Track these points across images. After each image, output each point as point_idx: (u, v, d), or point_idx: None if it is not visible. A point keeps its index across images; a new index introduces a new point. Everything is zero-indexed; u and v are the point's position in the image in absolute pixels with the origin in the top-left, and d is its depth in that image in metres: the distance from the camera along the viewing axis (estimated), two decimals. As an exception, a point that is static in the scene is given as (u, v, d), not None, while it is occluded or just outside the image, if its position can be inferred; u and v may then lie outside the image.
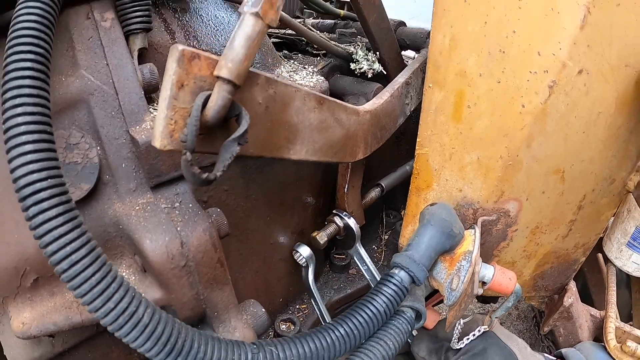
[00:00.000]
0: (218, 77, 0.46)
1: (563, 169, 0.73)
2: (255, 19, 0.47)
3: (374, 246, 0.97)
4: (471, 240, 0.71)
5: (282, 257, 0.81)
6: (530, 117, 0.68)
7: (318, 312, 0.80)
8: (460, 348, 0.78)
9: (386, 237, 0.99)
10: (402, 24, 0.91)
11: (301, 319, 0.83)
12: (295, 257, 0.79)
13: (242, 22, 0.47)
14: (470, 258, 0.69)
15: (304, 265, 0.78)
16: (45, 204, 0.44)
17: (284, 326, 0.82)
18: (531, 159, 0.71)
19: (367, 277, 0.83)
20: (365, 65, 0.78)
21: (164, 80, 0.46)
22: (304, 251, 0.78)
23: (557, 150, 0.71)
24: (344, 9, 1.04)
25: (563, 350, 0.82)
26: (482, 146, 0.72)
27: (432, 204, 0.70)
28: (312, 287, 0.78)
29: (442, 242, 0.68)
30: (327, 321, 0.81)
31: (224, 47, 0.76)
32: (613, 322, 0.78)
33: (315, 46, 0.87)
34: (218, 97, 0.46)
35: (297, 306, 0.85)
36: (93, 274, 0.45)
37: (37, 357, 0.59)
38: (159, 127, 0.46)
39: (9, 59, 0.47)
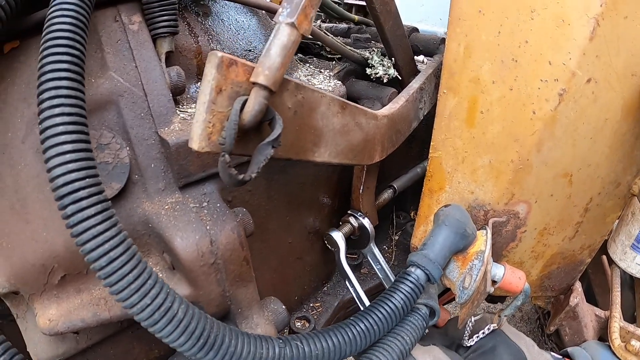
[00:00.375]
0: (255, 83, 0.48)
1: (571, 173, 0.76)
2: (291, 29, 0.49)
3: (384, 246, 1.00)
4: (483, 241, 0.73)
5: (299, 256, 0.83)
6: (541, 123, 0.71)
7: (354, 293, 0.82)
8: (471, 345, 0.81)
9: (396, 237, 1.01)
10: (415, 30, 0.94)
11: (315, 316, 0.86)
12: (326, 241, 0.81)
13: (277, 32, 0.49)
14: (483, 257, 0.72)
15: (334, 249, 0.80)
16: (83, 203, 0.45)
17: (299, 323, 0.84)
18: (541, 163, 0.74)
19: (380, 276, 0.86)
20: (381, 71, 0.80)
21: (202, 86, 0.48)
22: (336, 235, 0.80)
23: (565, 155, 0.74)
24: (351, 11, 1.07)
25: (569, 349, 0.85)
26: (494, 150, 0.75)
27: (446, 206, 0.73)
28: (346, 270, 0.80)
29: (456, 242, 0.71)
30: (363, 300, 0.83)
31: (245, 50, 0.79)
32: (617, 322, 0.82)
33: (329, 50, 0.90)
34: (255, 102, 0.48)
35: (311, 304, 0.87)
36: (130, 271, 0.46)
37: (61, 354, 0.60)
38: (198, 130, 0.48)
39: (45, 60, 0.47)
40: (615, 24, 0.66)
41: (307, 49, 0.97)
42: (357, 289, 0.82)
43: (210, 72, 0.47)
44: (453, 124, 0.77)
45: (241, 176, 0.48)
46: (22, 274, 0.55)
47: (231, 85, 0.48)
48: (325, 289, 0.92)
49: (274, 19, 0.51)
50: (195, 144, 0.48)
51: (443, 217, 0.71)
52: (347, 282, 0.83)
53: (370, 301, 0.85)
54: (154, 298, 0.47)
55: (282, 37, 0.49)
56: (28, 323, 0.62)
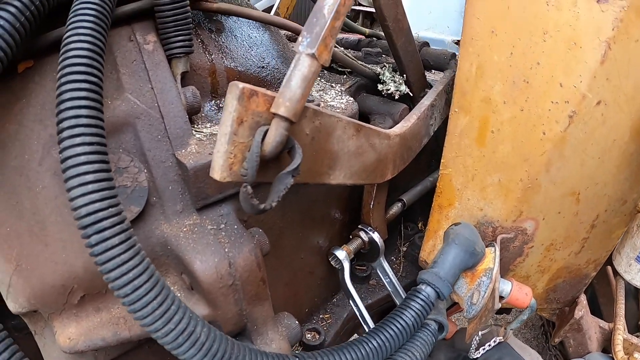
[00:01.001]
0: (275, 114, 0.49)
1: (578, 191, 0.77)
2: (311, 60, 0.49)
3: (392, 257, 1.01)
4: (491, 258, 0.75)
5: (310, 270, 0.85)
6: (550, 144, 0.72)
7: (357, 311, 0.83)
8: (477, 358, 0.83)
9: (404, 249, 1.03)
10: (426, 44, 0.95)
11: (325, 328, 0.87)
12: (330, 259, 0.83)
13: (298, 62, 0.50)
14: (491, 275, 0.73)
15: (339, 267, 0.82)
16: (107, 233, 0.46)
17: (309, 335, 0.86)
18: (549, 182, 0.75)
19: (389, 289, 0.87)
20: (392, 87, 0.81)
21: (223, 117, 0.48)
22: (340, 254, 0.82)
23: (573, 174, 0.75)
24: (358, 18, 1.07)
25: (572, 361, 0.88)
26: (503, 169, 0.76)
27: (456, 224, 0.74)
28: (349, 288, 0.81)
29: (465, 260, 0.72)
30: (366, 319, 0.85)
31: (259, 67, 0.79)
32: (621, 334, 0.84)
33: (339, 63, 0.90)
34: (276, 133, 0.49)
35: (321, 316, 0.89)
36: (154, 298, 0.47)
37: None
38: (219, 160, 0.49)
39: (63, 87, 0.48)
40: (627, 48, 0.66)
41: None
42: (360, 308, 0.84)
43: (231, 103, 0.48)
44: (464, 142, 0.78)
45: (262, 206, 0.50)
46: (42, 294, 0.56)
47: (252, 115, 0.49)
48: (334, 300, 0.94)
49: (293, 48, 0.51)
50: (217, 175, 0.49)
51: (453, 236, 0.73)
52: (350, 302, 0.85)
53: (375, 316, 0.87)
54: (178, 323, 0.48)
55: (303, 68, 0.49)
56: (46, 339, 0.63)
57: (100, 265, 0.47)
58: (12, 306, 0.56)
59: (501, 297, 0.77)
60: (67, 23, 0.52)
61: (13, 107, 0.58)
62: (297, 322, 0.71)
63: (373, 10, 1.18)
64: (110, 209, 0.47)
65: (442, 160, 0.81)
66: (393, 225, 1.02)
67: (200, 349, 0.49)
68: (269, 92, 0.50)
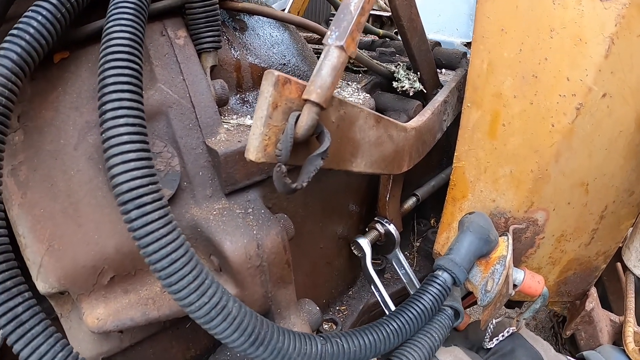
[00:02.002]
0: (307, 100, 0.53)
1: (587, 182, 0.80)
2: (340, 52, 0.53)
3: (406, 252, 1.04)
4: (505, 246, 0.77)
5: (328, 261, 0.87)
6: (559, 135, 0.75)
7: (379, 298, 0.85)
8: (490, 348, 0.85)
9: (417, 244, 1.05)
10: (438, 44, 0.99)
11: (342, 319, 0.89)
12: (353, 247, 0.85)
13: (327, 53, 0.53)
14: (505, 262, 0.76)
15: (361, 255, 0.84)
16: (148, 208, 0.48)
17: (326, 326, 0.87)
18: (559, 173, 0.78)
19: (405, 280, 0.90)
20: (407, 84, 0.85)
21: (259, 101, 0.52)
22: (362, 241, 0.84)
23: (582, 165, 0.79)
24: (367, 21, 1.11)
25: (584, 353, 0.89)
26: (514, 161, 0.79)
27: (470, 213, 0.77)
28: (372, 275, 0.83)
29: (480, 247, 0.75)
30: (388, 303, 0.87)
31: (281, 63, 0.83)
32: (632, 326, 0.86)
33: (354, 62, 0.94)
34: (308, 117, 0.52)
35: (337, 307, 0.91)
36: (190, 272, 0.49)
37: (105, 352, 0.63)
38: (255, 142, 0.52)
39: (107, 73, 0.50)
40: (629, 42, 0.71)
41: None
42: (382, 292, 0.86)
43: (267, 89, 0.51)
44: (476, 135, 0.81)
45: (294, 185, 0.52)
46: (73, 274, 0.57)
47: (285, 101, 0.52)
48: (350, 293, 0.96)
49: (323, 41, 0.55)
50: (252, 155, 0.52)
51: (468, 224, 0.75)
52: (372, 287, 0.87)
53: (394, 304, 0.89)
54: (211, 297, 0.50)
55: (332, 58, 0.53)
56: (72, 322, 0.64)
57: (138, 240, 0.48)
58: (42, 286, 0.57)
59: (514, 286, 0.80)
60: (108, 14, 0.55)
61: (49, 95, 0.61)
62: (317, 308, 0.74)
63: (382, 13, 1.23)
64: (150, 186, 0.49)
65: (455, 154, 0.84)
66: (406, 221, 1.05)
67: (231, 323, 0.51)
68: (300, 81, 0.53)
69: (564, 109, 0.74)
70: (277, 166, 0.51)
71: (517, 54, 0.76)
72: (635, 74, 0.73)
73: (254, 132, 0.52)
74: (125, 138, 0.49)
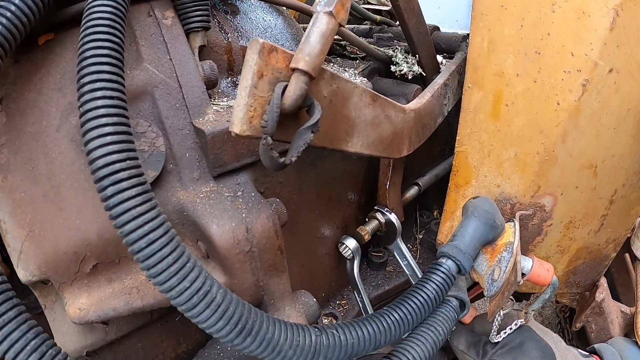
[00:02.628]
0: (295, 69, 0.49)
1: (595, 164, 0.77)
2: (329, 18, 0.50)
3: (408, 245, 1.00)
4: (511, 232, 0.73)
5: (326, 252, 0.83)
6: (565, 114, 0.72)
7: (361, 305, 0.82)
8: (498, 341, 0.80)
9: (420, 236, 1.01)
10: (437, 28, 0.96)
11: (342, 314, 0.85)
12: (341, 249, 0.81)
13: (316, 20, 0.50)
14: (512, 249, 0.71)
15: (349, 257, 0.80)
16: (124, 184, 0.45)
17: (326, 320, 0.83)
18: (566, 154, 0.75)
19: (407, 272, 0.85)
20: (405, 68, 0.82)
21: (243, 71, 0.49)
22: (350, 243, 0.80)
23: (589, 146, 0.75)
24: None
25: (596, 346, 0.84)
26: (519, 143, 0.76)
27: (474, 197, 0.73)
28: (357, 280, 0.80)
29: (485, 233, 0.71)
30: (368, 311, 0.83)
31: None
32: (645, 315, 0.81)
33: (352, 50, 0.92)
34: (296, 87, 0.49)
35: (338, 302, 0.87)
36: (169, 253, 0.45)
37: (89, 345, 0.59)
38: (239, 113, 0.48)
39: (85, 46, 0.48)
40: (634, 14, 0.67)
41: (331, 50, 0.99)
42: (364, 300, 0.82)
43: (252, 57, 0.48)
44: (478, 117, 0.78)
45: (282, 159, 0.49)
46: (54, 261, 0.55)
47: (272, 71, 0.49)
48: (350, 286, 0.92)
49: (311, 8, 0.52)
50: (237, 128, 0.48)
51: (472, 209, 0.71)
52: (354, 293, 0.83)
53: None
54: (193, 281, 0.46)
55: (321, 25, 0.50)
56: (56, 314, 0.61)
57: (114, 219, 0.45)
58: (22, 274, 0.54)
59: (522, 274, 0.75)
60: None
61: (33, 76, 0.59)
62: (315, 300, 0.70)
63: (381, 8, 1.21)
64: (128, 161, 0.46)
65: (457, 138, 0.81)
66: (408, 213, 1.01)
67: (215, 311, 0.46)
68: (288, 50, 0.50)
69: (570, 85, 0.70)
70: (263, 139, 0.48)
71: (519, 30, 0.72)
72: (643, 48, 0.70)
73: (238, 104, 0.49)
74: (103, 111, 0.46)
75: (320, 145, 0.58)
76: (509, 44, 0.73)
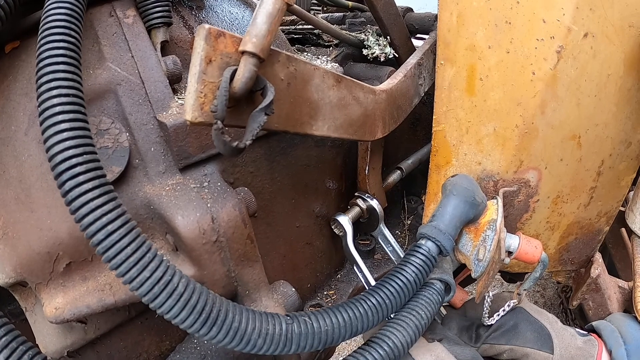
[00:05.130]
0: (244, 52, 0.49)
1: (579, 135, 0.74)
2: (275, -4, 0.49)
3: (397, 231, 0.98)
4: (494, 210, 0.71)
5: (308, 241, 0.82)
6: (542, 83, 0.69)
7: (363, 280, 0.79)
8: (491, 325, 0.78)
9: (409, 221, 0.99)
10: (410, 10, 0.95)
11: (330, 304, 0.84)
12: (333, 226, 0.80)
13: (262, 1, 0.50)
14: (495, 226, 0.69)
15: (341, 234, 0.79)
16: (81, 178, 0.45)
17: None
18: (546, 125, 0.72)
19: (393, 258, 0.84)
20: (377, 50, 0.80)
21: (192, 58, 0.48)
22: (342, 219, 0.79)
23: (571, 116, 0.72)
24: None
25: (594, 323, 0.81)
26: (497, 117, 0.73)
27: (453, 176, 0.71)
28: (353, 254, 0.78)
29: (465, 211, 0.69)
30: (371, 284, 0.80)
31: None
32: (643, 289, 0.78)
33: (326, 39, 0.90)
34: (245, 69, 0.48)
35: (325, 292, 0.86)
36: (129, 244, 0.45)
37: (69, 345, 0.60)
38: (190, 100, 0.48)
39: (42, 48, 0.49)
40: (607, -25, 0.65)
41: (305, 40, 0.98)
42: (365, 273, 0.80)
43: (199, 44, 0.47)
44: (453, 94, 0.76)
45: (235, 143, 0.48)
46: (28, 262, 0.55)
47: (220, 56, 0.49)
48: (338, 276, 0.90)
49: (259, -10, 0.51)
50: (189, 115, 0.48)
51: (450, 187, 0.69)
52: (354, 267, 0.81)
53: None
54: (153, 271, 0.46)
55: (267, 5, 0.49)
56: (37, 316, 0.62)
57: (74, 213, 0.45)
58: (0, 277, 0.55)
59: (509, 253, 0.73)
60: None
61: (1, 84, 0.60)
62: (293, 289, 0.69)
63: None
64: (85, 155, 0.47)
65: (434, 117, 0.79)
66: (396, 199, 0.99)
67: (177, 300, 0.46)
68: (236, 35, 0.50)
69: (544, 54, 0.68)
70: (214, 123, 0.47)
71: (487, 2, 0.70)
72: (617, 9, 0.67)
73: (189, 91, 0.48)
74: (58, 109, 0.47)
75: (282, 129, 0.57)
76: (478, 15, 0.71)
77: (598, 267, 0.82)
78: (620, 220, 0.90)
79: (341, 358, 0.58)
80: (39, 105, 0.48)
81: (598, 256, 0.86)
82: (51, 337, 0.60)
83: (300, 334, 0.53)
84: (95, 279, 0.60)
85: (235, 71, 0.49)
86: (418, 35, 0.96)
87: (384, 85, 0.74)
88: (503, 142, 0.74)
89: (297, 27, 0.97)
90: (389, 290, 0.61)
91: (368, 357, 0.57)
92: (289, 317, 0.55)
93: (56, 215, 0.56)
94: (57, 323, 0.56)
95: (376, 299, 0.61)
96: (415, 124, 1.00)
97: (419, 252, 0.65)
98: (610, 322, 0.79)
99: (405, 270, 0.63)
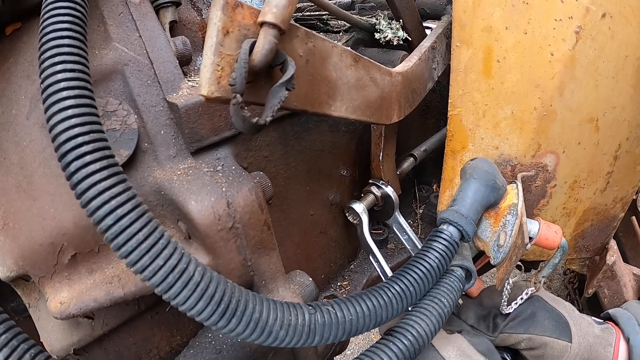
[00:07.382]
0: (263, 23, 0.46)
1: (597, 118, 0.72)
2: (296, -36, 0.47)
3: (409, 220, 0.96)
4: (514, 194, 0.69)
5: (322, 230, 0.79)
6: (560, 64, 0.68)
7: (379, 270, 0.77)
8: (509, 313, 0.76)
9: (421, 210, 0.97)
10: (421, -6, 0.93)
11: (344, 295, 0.81)
12: (347, 214, 0.77)
13: (283, -31, 0.47)
14: (516, 211, 0.67)
15: (356, 222, 0.76)
16: (88, 158, 0.42)
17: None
18: (564, 108, 0.71)
19: (408, 246, 0.81)
20: (389, 34, 0.78)
21: (208, 29, 0.45)
22: (357, 207, 0.76)
23: (589, 98, 0.71)
24: None
25: (610, 311, 0.80)
26: (515, 100, 0.72)
27: (472, 159, 0.69)
28: (369, 243, 0.75)
29: (486, 195, 0.67)
30: (387, 274, 0.78)
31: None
32: (660, 276, 0.76)
33: (335, 24, 0.88)
34: (265, 41, 0.45)
35: (339, 283, 0.83)
36: (140, 229, 0.42)
37: (75, 342, 0.56)
38: (206, 74, 0.45)
39: (45, 22, 0.46)
40: (626, -46, 0.63)
41: (314, 27, 0.95)
42: (381, 263, 0.78)
43: (215, 14, 0.45)
44: (470, 77, 0.74)
45: (255, 119, 0.45)
46: (31, 254, 0.52)
47: (238, 27, 0.46)
48: (352, 267, 0.88)
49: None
50: (205, 89, 0.45)
51: (471, 171, 0.67)
52: (370, 257, 0.78)
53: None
54: (167, 259, 0.42)
55: (289, -27, 0.47)
56: (41, 312, 0.58)
57: (80, 196, 0.42)
58: (0, 271, 0.52)
59: (530, 238, 0.71)
60: None
61: (1, 66, 0.57)
62: (311, 280, 0.66)
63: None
64: (91, 134, 0.43)
65: (449, 101, 0.77)
66: (407, 188, 0.97)
67: (194, 290, 0.42)
68: (254, 7, 0.47)
69: (562, 34, 0.66)
70: (232, 97, 0.44)
71: (504, -18, 0.69)
72: (636, -11, 0.66)
73: (204, 64, 0.45)
74: (63, 85, 0.44)
75: (301, 109, 0.55)
76: (495, -4, 0.70)
77: (614, 255, 0.81)
78: (631, 208, 0.89)
79: (364, 349, 0.56)
80: (41, 82, 0.44)
81: (613, 243, 0.85)
82: (56, 334, 0.56)
83: (324, 325, 0.51)
84: (103, 271, 0.56)
85: (254, 43, 0.46)
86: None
87: (400, 68, 0.72)
88: (521, 126, 0.72)
89: (305, 13, 0.94)
90: (412, 277, 0.59)
91: (393, 347, 0.55)
92: (311, 307, 0.52)
93: (60, 203, 0.53)
94: (63, 319, 0.52)
95: (400, 287, 0.58)
96: (426, 112, 0.98)
97: (441, 237, 0.63)
98: (627, 310, 0.78)
99: (428, 256, 0.61)
